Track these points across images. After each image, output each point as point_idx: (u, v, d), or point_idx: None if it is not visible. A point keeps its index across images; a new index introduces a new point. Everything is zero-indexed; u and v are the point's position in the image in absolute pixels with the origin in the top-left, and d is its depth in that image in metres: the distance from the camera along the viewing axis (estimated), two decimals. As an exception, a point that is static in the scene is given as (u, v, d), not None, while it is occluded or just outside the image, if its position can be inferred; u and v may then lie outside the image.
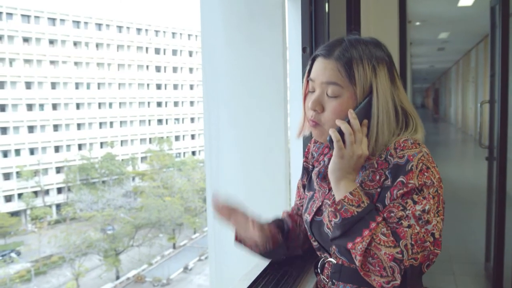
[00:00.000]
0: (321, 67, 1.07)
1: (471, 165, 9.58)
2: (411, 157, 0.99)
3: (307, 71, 1.13)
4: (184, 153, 39.86)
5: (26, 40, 33.93)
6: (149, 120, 40.13)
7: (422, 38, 10.95)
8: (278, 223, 1.28)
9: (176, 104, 41.97)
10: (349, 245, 0.98)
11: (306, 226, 1.20)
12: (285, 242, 1.27)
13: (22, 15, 33.65)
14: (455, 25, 9.26)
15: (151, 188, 30.78)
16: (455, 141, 15.19)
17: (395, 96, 1.07)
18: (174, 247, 29.04)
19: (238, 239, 1.25)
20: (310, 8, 1.62)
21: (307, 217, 1.18)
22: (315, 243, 1.19)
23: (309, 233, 1.20)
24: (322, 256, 1.18)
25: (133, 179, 34.12)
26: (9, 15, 33.10)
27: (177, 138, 40.63)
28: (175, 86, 42.12)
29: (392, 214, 0.99)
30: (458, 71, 17.92)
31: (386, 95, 1.05)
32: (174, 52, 42.05)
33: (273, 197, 2.12)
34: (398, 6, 2.79)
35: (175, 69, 42.09)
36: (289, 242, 1.28)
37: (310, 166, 1.28)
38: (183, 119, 42.00)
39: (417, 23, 8.72)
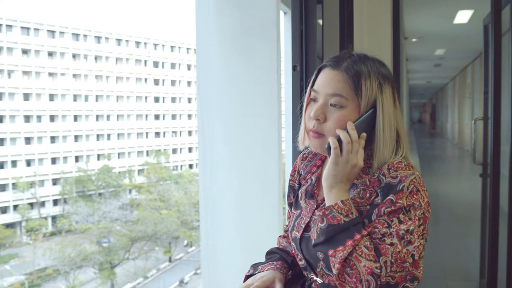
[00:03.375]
0: (328, 78, 1.09)
1: (467, 181, 9.58)
2: (404, 178, 1.01)
3: (311, 81, 1.15)
4: (181, 166, 39.80)
5: (25, 52, 34.04)
6: (147, 133, 40.12)
7: (419, 54, 11.04)
8: (282, 259, 1.27)
9: (174, 117, 42.01)
10: (330, 252, 0.99)
11: (294, 244, 1.19)
12: (293, 270, 1.27)
13: (22, 27, 33.80)
14: (451, 42, 9.34)
15: (147, 201, 30.67)
16: (452, 157, 15.21)
17: (395, 117, 1.10)
18: (170, 260, 28.84)
19: None
20: (301, 27, 1.64)
21: (296, 234, 1.17)
22: (301, 262, 1.18)
23: (296, 251, 1.19)
24: (309, 276, 1.16)
25: (130, 191, 34.00)
26: (9, 27, 33.23)
27: (174, 151, 40.59)
28: (173, 99, 42.20)
29: (376, 230, 1.00)
30: (455, 87, 18.01)
31: (389, 112, 1.08)
32: (173, 66, 42.22)
33: (267, 211, 2.12)
34: (391, 22, 2.80)
35: (173, 82, 42.22)
36: (296, 269, 1.27)
37: (296, 184, 1.28)
38: (180, 132, 42.03)
39: (414, 40, 8.79)
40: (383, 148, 1.06)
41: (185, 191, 31.56)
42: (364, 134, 1.06)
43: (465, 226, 5.66)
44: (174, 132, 41.74)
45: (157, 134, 40.78)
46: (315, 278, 1.13)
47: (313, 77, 1.15)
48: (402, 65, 7.44)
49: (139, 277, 26.42)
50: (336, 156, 1.03)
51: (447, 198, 7.09)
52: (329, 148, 1.05)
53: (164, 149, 39.92)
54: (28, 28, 34.15)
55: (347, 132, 1.05)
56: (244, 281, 1.23)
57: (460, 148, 15.45)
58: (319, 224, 1.03)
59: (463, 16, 7.00)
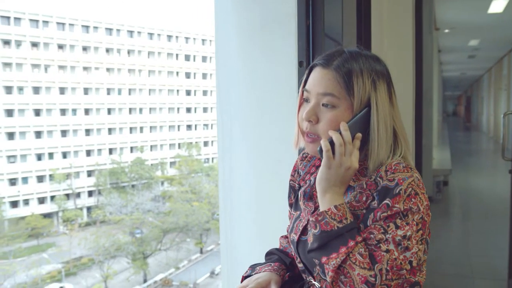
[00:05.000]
0: (319, 77, 1.05)
1: (501, 176, 9.28)
2: (401, 181, 0.96)
3: (303, 81, 1.11)
4: (212, 158, 40.10)
5: (60, 47, 34.93)
6: (179, 126, 40.58)
7: (452, 45, 10.75)
8: (281, 260, 1.25)
9: (205, 110, 42.33)
10: (323, 259, 0.96)
11: (292, 246, 1.16)
12: (293, 273, 1.24)
13: (57, 23, 34.68)
14: (485, 32, 9.06)
15: (179, 193, 31.08)
16: (486, 151, 14.75)
17: (391, 114, 1.05)
18: (201, 251, 29.17)
19: None
20: (307, 22, 1.60)
21: (294, 237, 1.14)
22: (300, 265, 1.15)
23: (294, 254, 1.16)
24: (307, 279, 1.13)
25: (162, 183, 34.52)
26: (45, 23, 34.14)
27: (205, 143, 40.93)
28: (205, 92, 42.52)
29: (372, 236, 0.96)
30: (491, 79, 17.49)
31: (384, 109, 1.03)
32: (204, 59, 42.48)
33: (285, 207, 2.10)
34: (413, 12, 2.67)
35: (204, 76, 42.50)
36: (296, 271, 1.24)
37: (297, 185, 1.24)
38: (212, 124, 42.31)
39: (446, 30, 8.56)
40: (378, 148, 1.01)
41: (216, 184, 31.75)
42: (359, 135, 1.01)
43: (495, 223, 5.48)
44: (206, 125, 42.06)
45: (189, 126, 41.19)
46: (313, 281, 1.09)
47: (305, 76, 1.11)
48: (433, 57, 7.27)
49: (171, 268, 26.83)
50: (328, 159, 0.99)
51: (479, 194, 6.91)
52: (321, 150, 1.00)
53: (196, 142, 40.32)
54: (63, 24, 35.07)
55: (340, 133, 1.00)
56: (242, 281, 1.20)
57: (496, 142, 15.00)
58: (313, 230, 0.99)
59: (497, 5, 6.77)
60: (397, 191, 0.95)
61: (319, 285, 1.07)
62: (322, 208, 1.00)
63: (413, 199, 0.95)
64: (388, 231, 0.94)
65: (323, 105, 1.04)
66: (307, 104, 1.08)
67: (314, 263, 1.03)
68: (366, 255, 0.94)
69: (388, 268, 0.92)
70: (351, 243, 0.94)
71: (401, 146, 1.05)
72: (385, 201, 0.96)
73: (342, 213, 0.98)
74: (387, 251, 0.93)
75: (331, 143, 1.00)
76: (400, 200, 0.95)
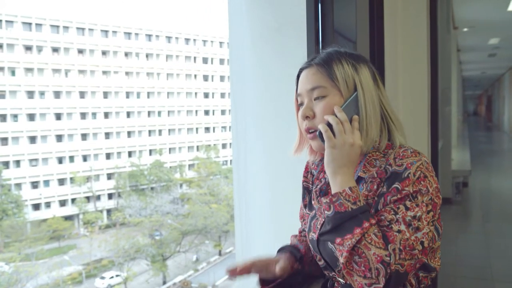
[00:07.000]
0: (305, 77, 1.12)
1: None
2: (409, 165, 0.99)
3: (295, 89, 1.17)
4: (230, 160, 40.16)
5: (80, 51, 35.47)
6: (197, 128, 40.80)
7: (471, 45, 10.60)
8: (292, 253, 1.25)
9: (223, 112, 42.48)
10: (337, 240, 0.97)
11: (312, 245, 1.16)
12: (302, 268, 1.25)
13: (77, 28, 35.22)
14: (506, 30, 8.90)
15: (198, 195, 31.16)
16: (508, 151, 14.47)
17: (378, 95, 1.11)
18: (220, 254, 29.21)
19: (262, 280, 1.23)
20: (316, 24, 1.60)
21: (313, 235, 1.14)
22: (321, 262, 1.15)
23: (315, 252, 1.16)
24: (330, 275, 1.14)
25: (181, 186, 34.73)
26: (66, 28, 34.71)
27: (224, 146, 41.05)
28: (222, 95, 42.68)
29: (383, 217, 0.98)
30: (512, 78, 17.19)
31: (370, 89, 1.09)
32: (222, 61, 42.67)
33: (299, 208, 2.09)
34: (427, 11, 2.63)
35: (222, 78, 42.68)
36: (305, 268, 1.25)
37: (311, 185, 1.25)
38: (229, 127, 42.30)
39: (465, 29, 8.45)
40: (367, 126, 1.06)
41: (234, 186, 31.74)
42: (356, 117, 1.06)
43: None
44: (224, 127, 42.20)
45: (207, 129, 41.38)
46: (337, 277, 1.10)
47: (295, 84, 1.18)
48: (451, 56, 7.17)
49: (190, 270, 26.92)
50: (329, 139, 1.02)
51: (500, 195, 6.78)
52: (320, 134, 1.03)
53: (214, 144, 40.46)
54: (83, 29, 35.61)
55: (335, 116, 1.05)
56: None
57: (518, 142, 14.71)
58: (326, 212, 1.00)
59: (517, 3, 6.64)
60: (406, 175, 0.98)
61: (344, 281, 1.08)
62: (334, 190, 1.01)
63: (422, 182, 0.98)
64: (398, 212, 0.97)
65: (315, 100, 1.09)
66: (302, 107, 1.13)
67: (336, 258, 1.02)
68: (380, 235, 0.95)
69: (401, 247, 0.94)
70: (366, 224, 0.96)
71: (393, 125, 1.11)
72: (394, 185, 0.99)
73: (356, 195, 0.99)
74: (399, 231, 0.95)
75: (329, 125, 1.04)
76: (409, 183, 0.98)
